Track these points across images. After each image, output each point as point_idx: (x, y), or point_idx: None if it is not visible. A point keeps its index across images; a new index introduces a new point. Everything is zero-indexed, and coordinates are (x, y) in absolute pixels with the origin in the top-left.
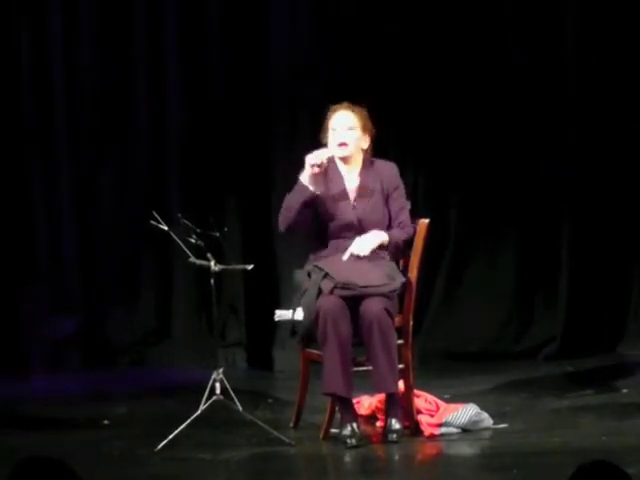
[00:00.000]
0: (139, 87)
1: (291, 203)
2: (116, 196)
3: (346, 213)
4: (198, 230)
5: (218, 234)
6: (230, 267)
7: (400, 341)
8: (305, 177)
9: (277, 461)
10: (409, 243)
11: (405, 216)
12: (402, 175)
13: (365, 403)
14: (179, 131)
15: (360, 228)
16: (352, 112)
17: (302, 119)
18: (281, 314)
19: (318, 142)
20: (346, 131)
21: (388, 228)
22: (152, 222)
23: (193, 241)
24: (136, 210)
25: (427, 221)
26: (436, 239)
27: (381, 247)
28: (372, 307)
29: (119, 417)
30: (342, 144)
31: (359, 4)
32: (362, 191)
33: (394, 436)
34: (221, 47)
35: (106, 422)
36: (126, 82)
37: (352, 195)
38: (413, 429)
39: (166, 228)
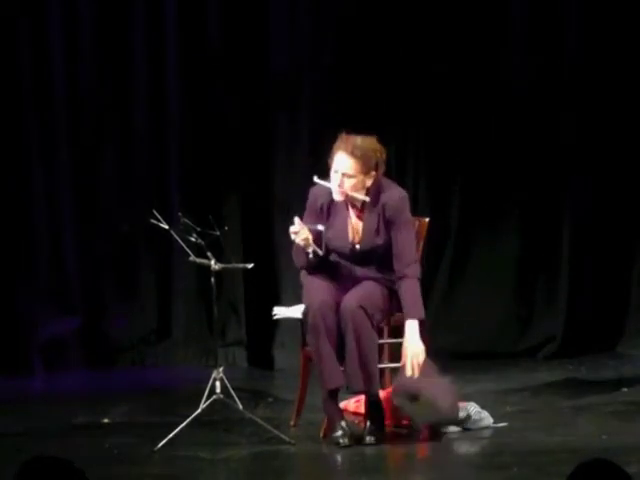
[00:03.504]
0: (139, 86)
1: (298, 258)
2: (116, 195)
3: (345, 250)
4: (198, 229)
5: (218, 233)
6: (230, 266)
7: (401, 340)
8: (302, 245)
9: (277, 460)
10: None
11: (409, 253)
12: (403, 175)
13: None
14: (179, 130)
15: (356, 262)
16: (352, 158)
17: (302, 118)
18: (279, 311)
19: (318, 141)
20: (345, 179)
21: (391, 258)
22: (152, 221)
23: (193, 240)
24: (136, 209)
25: (427, 220)
26: (436, 239)
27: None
28: (348, 304)
29: (119, 416)
30: (340, 192)
31: (359, 4)
32: (366, 231)
33: (372, 439)
34: (221, 46)
35: (106, 421)
36: (126, 81)
37: (351, 235)
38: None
39: (166, 227)
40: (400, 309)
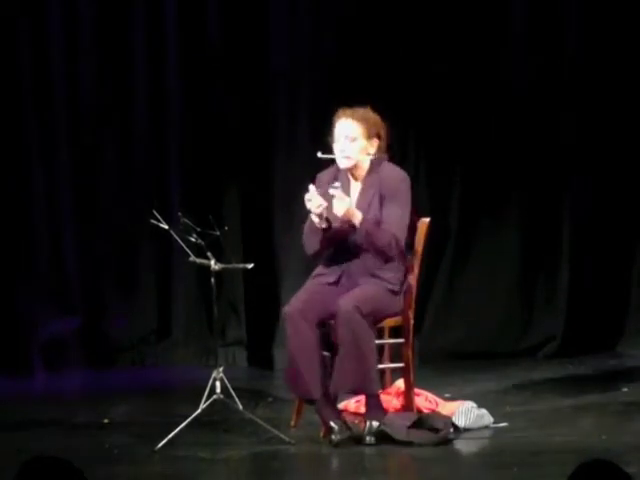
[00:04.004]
0: (139, 86)
1: (311, 241)
2: (116, 195)
3: (343, 225)
4: (198, 229)
5: (218, 233)
6: (230, 266)
7: (401, 340)
8: (315, 220)
9: (277, 460)
10: (382, 249)
11: (389, 224)
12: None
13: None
14: (179, 130)
15: (357, 241)
16: (353, 121)
17: (302, 118)
18: None
19: (318, 142)
20: (348, 143)
21: None
22: (152, 221)
23: (193, 240)
24: (136, 209)
25: (427, 220)
26: (436, 239)
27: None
28: (344, 306)
29: (119, 416)
30: (346, 158)
31: (359, 4)
32: (359, 204)
33: (372, 439)
34: (221, 46)
35: (106, 421)
36: (126, 81)
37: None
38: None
39: (166, 227)
40: (401, 312)
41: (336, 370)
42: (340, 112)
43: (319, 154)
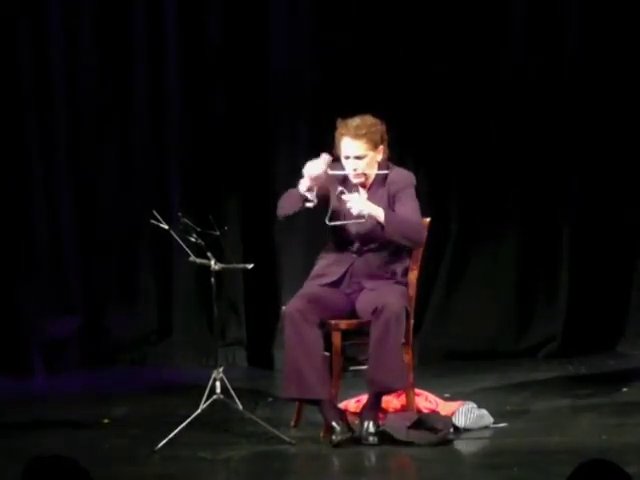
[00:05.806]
0: (139, 86)
1: (286, 205)
2: (116, 195)
3: (349, 227)
4: (198, 229)
5: (218, 233)
6: (230, 266)
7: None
8: (302, 186)
9: (277, 460)
10: (412, 234)
11: (410, 213)
12: None
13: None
14: (179, 130)
15: (361, 242)
16: (358, 140)
17: (302, 118)
18: None
19: (318, 141)
20: (358, 162)
21: (393, 253)
22: (152, 221)
23: (193, 240)
24: (136, 209)
25: (427, 220)
26: (436, 239)
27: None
28: (392, 306)
29: (119, 416)
30: (358, 175)
31: (359, 4)
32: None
33: (372, 439)
34: (221, 46)
35: (106, 421)
36: (126, 81)
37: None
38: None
39: (166, 227)
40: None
41: (375, 367)
42: (343, 128)
43: (329, 171)
